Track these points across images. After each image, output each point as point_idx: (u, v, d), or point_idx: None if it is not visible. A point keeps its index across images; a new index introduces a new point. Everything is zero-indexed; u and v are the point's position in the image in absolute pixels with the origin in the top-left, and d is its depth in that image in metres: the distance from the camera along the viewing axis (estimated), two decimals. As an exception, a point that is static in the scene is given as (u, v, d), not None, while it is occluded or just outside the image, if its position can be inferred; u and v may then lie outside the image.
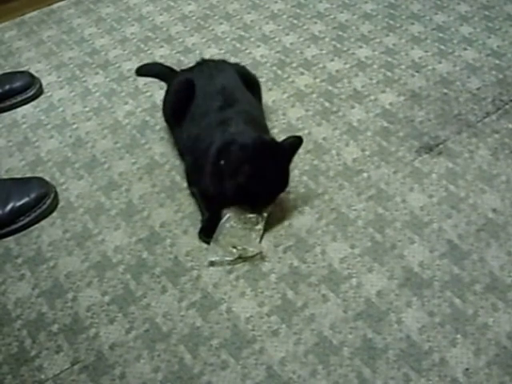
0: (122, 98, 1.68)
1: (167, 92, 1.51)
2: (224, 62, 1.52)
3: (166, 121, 1.50)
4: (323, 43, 1.81)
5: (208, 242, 1.24)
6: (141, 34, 1.95)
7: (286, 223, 1.28)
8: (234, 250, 1.20)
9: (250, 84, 1.46)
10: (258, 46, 1.83)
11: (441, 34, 1.79)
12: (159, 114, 1.59)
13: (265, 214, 1.23)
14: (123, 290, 1.19)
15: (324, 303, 1.13)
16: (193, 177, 1.34)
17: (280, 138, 1.44)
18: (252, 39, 1.86)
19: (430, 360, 1.03)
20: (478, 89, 1.58)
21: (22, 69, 1.81)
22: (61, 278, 1.22)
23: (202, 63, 1.49)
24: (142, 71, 1.75)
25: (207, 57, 1.77)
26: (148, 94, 1.69)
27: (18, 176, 1.45)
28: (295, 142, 1.25)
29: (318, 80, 1.67)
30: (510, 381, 0.99)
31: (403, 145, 1.44)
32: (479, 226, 1.24)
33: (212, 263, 1.21)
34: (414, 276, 1.16)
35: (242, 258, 1.21)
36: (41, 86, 1.73)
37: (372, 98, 1.59)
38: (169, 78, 1.59)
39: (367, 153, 1.43)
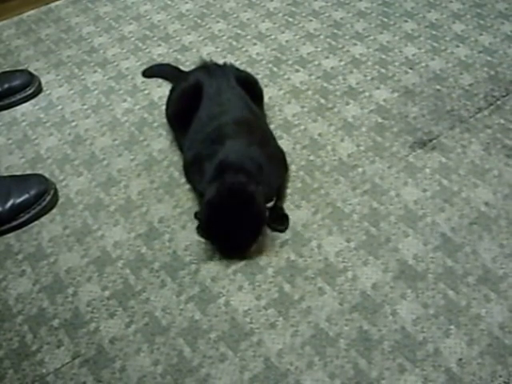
0: (120, 96, 1.70)
1: (172, 93, 1.50)
2: (230, 67, 1.50)
3: (168, 120, 1.51)
4: (318, 41, 1.83)
5: (205, 238, 1.26)
6: (138, 32, 1.96)
7: (282, 218, 1.30)
8: None
9: (254, 91, 1.47)
10: (254, 44, 1.84)
11: (434, 32, 1.81)
12: (157, 112, 1.61)
13: None
14: (123, 284, 1.20)
15: (320, 296, 1.14)
16: (191, 175, 1.35)
17: (277, 133, 1.46)
18: (248, 37, 1.88)
19: (424, 350, 1.04)
20: (470, 85, 1.60)
21: (21, 67, 1.82)
22: (61, 273, 1.24)
23: (209, 67, 1.47)
24: (148, 73, 1.76)
25: (204, 55, 1.79)
26: (146, 91, 1.70)
27: (18, 173, 1.45)
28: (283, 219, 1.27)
29: (313, 77, 1.69)
30: (502, 370, 1.01)
31: (397, 140, 1.45)
32: (472, 220, 1.25)
33: None
34: (409, 269, 1.17)
35: None
36: (40, 84, 1.74)
37: (366, 94, 1.60)
38: (175, 79, 1.60)
39: (362, 148, 1.44)
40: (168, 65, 1.76)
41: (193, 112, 1.37)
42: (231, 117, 1.32)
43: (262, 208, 1.18)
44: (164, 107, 1.54)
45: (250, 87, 1.45)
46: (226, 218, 1.16)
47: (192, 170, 1.33)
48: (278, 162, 1.35)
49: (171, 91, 1.51)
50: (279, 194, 1.32)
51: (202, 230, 1.26)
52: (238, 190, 1.16)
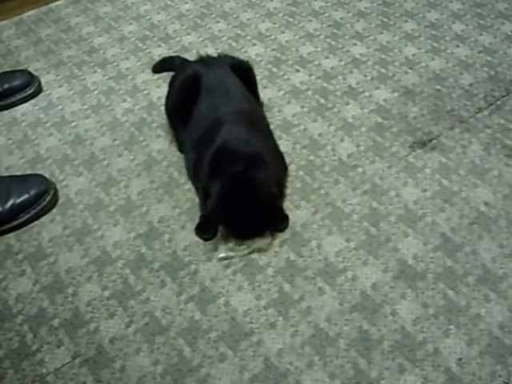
0: (120, 96, 1.70)
1: (171, 86, 1.50)
2: (225, 57, 1.52)
3: (168, 115, 1.51)
4: (318, 41, 1.83)
5: (204, 239, 1.26)
6: (138, 32, 1.96)
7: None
8: (243, 247, 1.23)
9: (248, 77, 1.49)
10: (254, 44, 1.85)
11: (434, 32, 1.81)
12: (156, 112, 1.61)
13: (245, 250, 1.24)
14: (123, 284, 1.20)
15: (320, 296, 1.14)
16: (197, 172, 1.34)
17: (276, 133, 1.47)
18: (248, 37, 1.88)
19: (423, 350, 1.04)
20: (470, 85, 1.60)
21: (21, 67, 1.82)
22: (61, 273, 1.24)
23: (205, 60, 1.49)
24: (157, 68, 1.76)
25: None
26: (145, 91, 1.70)
27: (18, 173, 1.46)
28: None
29: (313, 77, 1.69)
30: (502, 370, 1.01)
31: (397, 140, 1.46)
32: (472, 220, 1.26)
33: (221, 259, 1.23)
34: (408, 268, 1.17)
35: (252, 252, 1.23)
36: (40, 84, 1.74)
37: (366, 94, 1.60)
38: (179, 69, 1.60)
39: (362, 148, 1.44)
40: (178, 57, 1.74)
41: (192, 104, 1.38)
42: (231, 108, 1.34)
43: (270, 194, 1.19)
44: (163, 107, 1.54)
45: (243, 74, 1.46)
46: (238, 212, 1.18)
47: (195, 165, 1.33)
48: (276, 156, 1.35)
49: (170, 84, 1.51)
50: (279, 193, 1.32)
51: (207, 225, 1.26)
52: (242, 182, 1.18)
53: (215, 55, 1.55)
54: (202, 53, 1.79)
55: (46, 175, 1.43)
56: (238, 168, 1.18)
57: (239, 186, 1.18)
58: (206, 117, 1.34)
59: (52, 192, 1.38)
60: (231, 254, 1.23)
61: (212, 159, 1.22)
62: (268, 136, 1.39)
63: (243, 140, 1.25)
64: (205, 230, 1.27)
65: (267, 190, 1.19)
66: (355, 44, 1.80)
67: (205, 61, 1.49)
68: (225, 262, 1.22)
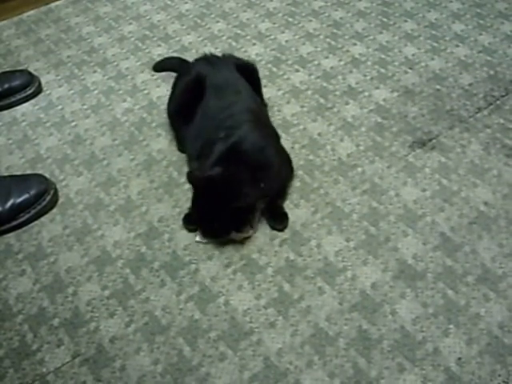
0: (120, 96, 1.70)
1: (175, 88, 1.50)
2: (229, 57, 1.52)
3: (170, 117, 1.50)
4: (318, 41, 1.83)
5: (190, 230, 1.27)
6: (138, 32, 1.97)
7: (282, 217, 1.30)
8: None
9: (253, 78, 1.49)
10: (254, 44, 1.85)
11: (433, 32, 1.81)
12: (156, 111, 1.61)
13: None
14: (123, 284, 1.20)
15: (320, 295, 1.14)
16: (200, 160, 1.33)
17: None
18: (248, 37, 1.88)
19: (423, 350, 1.04)
20: (469, 85, 1.60)
21: (21, 67, 1.83)
22: (61, 273, 1.24)
23: (209, 59, 1.49)
24: (158, 67, 1.77)
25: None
26: (145, 91, 1.70)
27: (18, 173, 1.46)
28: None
29: (312, 77, 1.69)
30: (501, 369, 1.01)
31: (397, 140, 1.46)
32: (471, 219, 1.26)
33: (198, 243, 1.25)
34: (408, 268, 1.18)
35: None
36: (40, 84, 1.74)
37: (366, 94, 1.61)
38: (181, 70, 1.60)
39: (361, 148, 1.45)
40: (178, 58, 1.75)
41: (195, 106, 1.38)
42: (243, 106, 1.34)
43: (235, 201, 1.19)
44: (163, 107, 1.54)
45: (249, 75, 1.47)
46: (205, 208, 1.20)
47: (201, 155, 1.32)
48: (284, 158, 1.36)
49: (173, 86, 1.51)
50: (282, 193, 1.32)
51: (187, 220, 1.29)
52: (213, 182, 1.19)
53: (218, 54, 1.55)
54: (203, 52, 1.80)
55: (46, 175, 1.43)
56: (222, 170, 1.20)
57: (216, 187, 1.19)
58: (217, 113, 1.33)
59: (52, 192, 1.38)
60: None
61: (222, 153, 1.23)
62: (276, 137, 1.40)
63: (257, 142, 1.26)
64: (190, 221, 1.28)
65: (240, 195, 1.19)
66: (355, 44, 1.80)
67: (209, 60, 1.48)
68: (225, 261, 1.22)
